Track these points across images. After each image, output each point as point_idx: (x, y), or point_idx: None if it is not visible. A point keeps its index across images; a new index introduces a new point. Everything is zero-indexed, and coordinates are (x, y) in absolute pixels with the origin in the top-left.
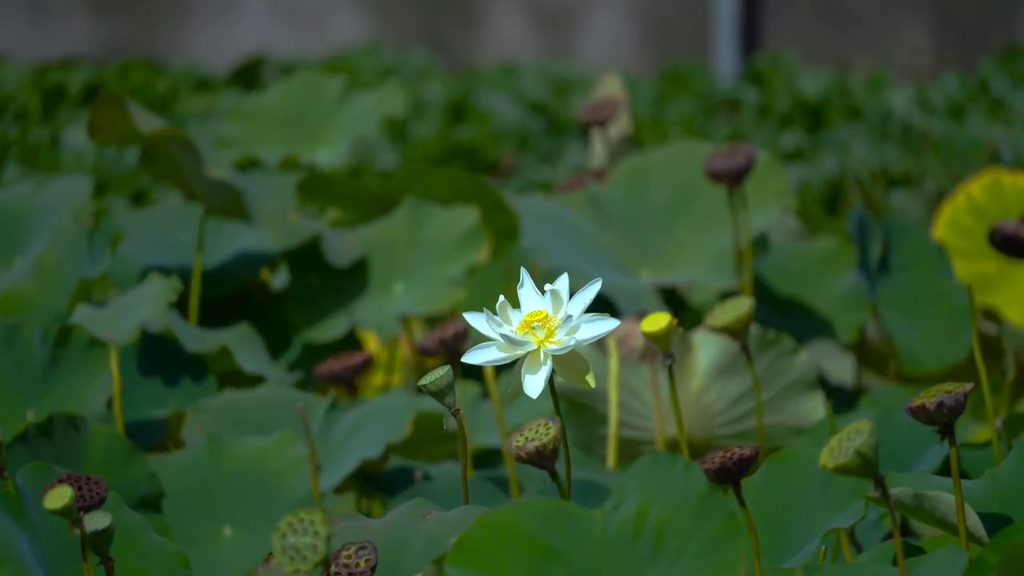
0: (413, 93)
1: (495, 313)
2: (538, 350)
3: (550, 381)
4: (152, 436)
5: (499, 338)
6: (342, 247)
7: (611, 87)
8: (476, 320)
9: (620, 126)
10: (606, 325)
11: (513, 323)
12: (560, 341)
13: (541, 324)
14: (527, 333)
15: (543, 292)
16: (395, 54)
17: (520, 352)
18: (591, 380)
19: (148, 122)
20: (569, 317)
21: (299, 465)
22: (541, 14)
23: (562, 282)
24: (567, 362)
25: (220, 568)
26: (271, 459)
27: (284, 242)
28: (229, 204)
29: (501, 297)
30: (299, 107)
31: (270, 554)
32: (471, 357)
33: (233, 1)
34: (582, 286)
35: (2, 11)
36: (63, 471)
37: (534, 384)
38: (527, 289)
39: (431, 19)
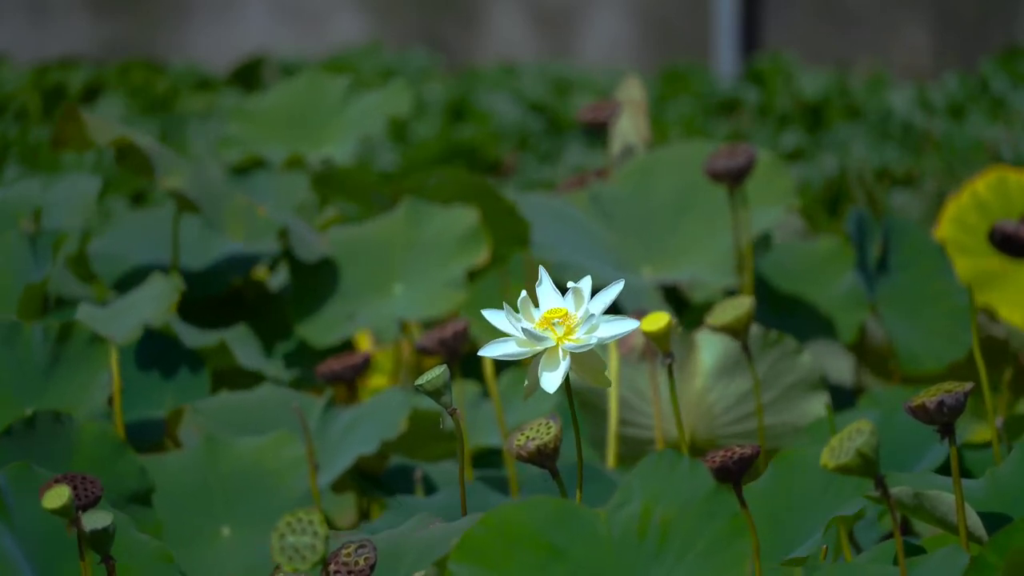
0: (413, 93)
1: (515, 309)
2: (556, 347)
3: (565, 380)
4: (151, 435)
5: (519, 333)
6: (311, 243)
7: (632, 91)
8: (495, 317)
9: (639, 129)
10: (626, 325)
11: (533, 319)
12: (580, 339)
13: (561, 321)
14: (546, 329)
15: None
16: (395, 54)
17: (539, 348)
18: (608, 378)
19: (106, 130)
20: (591, 316)
21: (296, 464)
22: (541, 14)
23: (585, 281)
24: (584, 361)
25: (219, 568)
26: (268, 459)
27: (249, 239)
28: (188, 203)
29: (523, 292)
30: (303, 107)
31: (277, 567)
32: (489, 351)
33: (233, 1)
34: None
35: (2, 11)
36: (45, 471)
37: (552, 380)
38: (545, 286)
39: (431, 19)
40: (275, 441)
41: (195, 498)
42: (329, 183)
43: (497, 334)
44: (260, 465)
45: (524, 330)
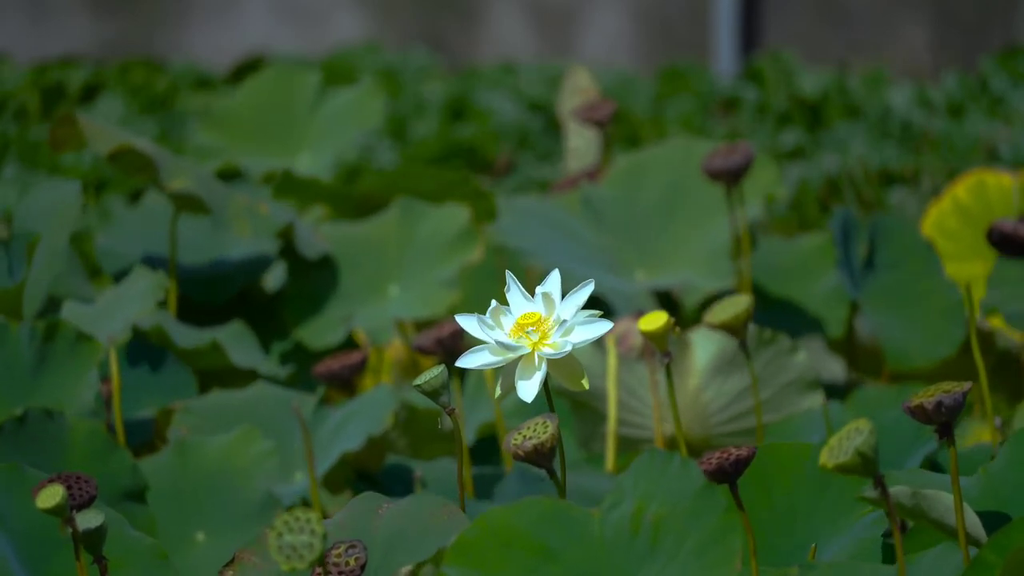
0: (413, 92)
1: (487, 315)
2: (532, 353)
3: (545, 382)
4: (140, 435)
5: (492, 343)
6: (312, 240)
7: (580, 80)
8: (468, 323)
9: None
10: (601, 327)
11: (505, 327)
12: (555, 344)
13: (535, 327)
14: (521, 337)
15: (539, 294)
16: (395, 54)
17: (514, 356)
18: (585, 383)
19: (105, 137)
20: (563, 320)
21: (262, 460)
22: (541, 13)
23: (553, 283)
24: (561, 364)
25: (197, 573)
26: (235, 457)
27: (255, 236)
28: (193, 204)
29: (493, 301)
30: (273, 108)
31: (226, 565)
32: (464, 361)
33: (233, 0)
34: (575, 288)
35: (2, 10)
36: (36, 471)
37: (529, 388)
38: (514, 292)
39: (431, 19)
40: (239, 439)
41: (168, 503)
42: (288, 192)
43: None
44: (228, 464)
45: (498, 342)
